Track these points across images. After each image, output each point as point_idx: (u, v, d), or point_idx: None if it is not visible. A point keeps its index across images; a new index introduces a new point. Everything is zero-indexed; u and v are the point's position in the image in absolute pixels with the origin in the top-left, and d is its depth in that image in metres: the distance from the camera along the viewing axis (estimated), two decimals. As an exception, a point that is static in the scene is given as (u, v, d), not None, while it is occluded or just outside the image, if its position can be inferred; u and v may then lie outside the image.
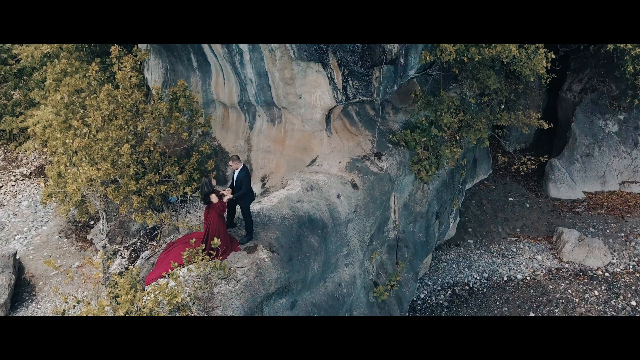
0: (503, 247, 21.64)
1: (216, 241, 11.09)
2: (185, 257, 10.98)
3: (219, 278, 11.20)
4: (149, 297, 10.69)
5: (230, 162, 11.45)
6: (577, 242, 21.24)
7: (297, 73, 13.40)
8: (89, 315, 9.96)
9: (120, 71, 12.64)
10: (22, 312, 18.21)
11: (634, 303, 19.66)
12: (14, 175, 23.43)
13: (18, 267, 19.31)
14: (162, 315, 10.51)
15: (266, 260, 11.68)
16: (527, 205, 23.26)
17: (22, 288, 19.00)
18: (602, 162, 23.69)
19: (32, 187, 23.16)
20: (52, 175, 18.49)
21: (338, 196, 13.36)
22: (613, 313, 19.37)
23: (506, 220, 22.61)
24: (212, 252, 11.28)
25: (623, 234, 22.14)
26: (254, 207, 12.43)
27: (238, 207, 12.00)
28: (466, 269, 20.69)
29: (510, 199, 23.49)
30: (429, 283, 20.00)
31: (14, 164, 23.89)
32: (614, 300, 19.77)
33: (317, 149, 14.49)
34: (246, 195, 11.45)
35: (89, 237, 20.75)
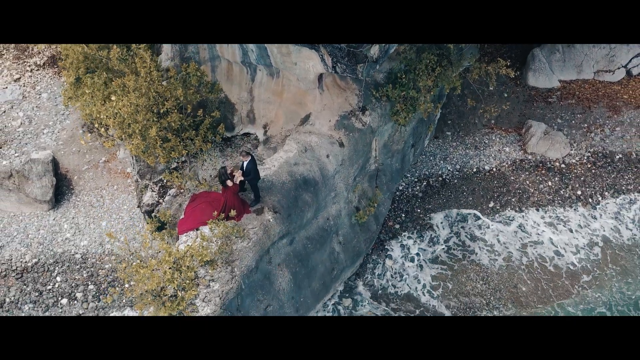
0: (477, 139, 25.48)
1: (233, 213, 15.30)
2: (210, 226, 15.23)
3: (235, 237, 15.58)
4: (185, 254, 15.15)
5: (241, 157, 15.09)
6: (542, 135, 25.03)
7: (292, 50, 15.98)
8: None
9: (142, 68, 15.30)
10: (66, 206, 22.78)
11: (579, 192, 24.26)
12: (29, 66, 26.06)
13: (54, 164, 23.36)
14: (196, 269, 15.10)
15: (271, 220, 15.93)
16: (505, 95, 26.42)
17: (60, 182, 23.27)
18: (581, 52, 26.22)
19: (48, 78, 26.00)
20: (70, 82, 21.62)
21: (327, 156, 17.03)
22: (559, 201, 24.08)
23: (484, 111, 25.98)
24: (230, 221, 15.53)
25: (586, 125, 25.82)
26: (261, 173, 16.22)
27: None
28: (441, 161, 24.83)
29: (490, 88, 26.48)
30: (407, 175, 24.27)
31: (26, 54, 26.31)
32: (563, 190, 24.34)
33: (311, 106, 17.63)
34: (254, 178, 15.26)
35: (110, 132, 24.40)
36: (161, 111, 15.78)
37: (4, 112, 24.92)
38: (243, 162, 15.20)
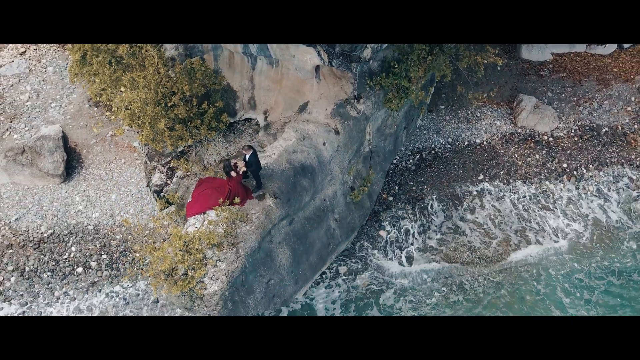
0: (469, 113, 26.81)
1: (237, 199, 16.99)
2: (216, 211, 16.91)
3: (240, 221, 17.29)
4: (194, 238, 16.90)
5: (243, 150, 16.63)
6: (532, 109, 26.37)
7: (291, 45, 17.24)
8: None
9: (151, 65, 16.58)
10: (76, 179, 24.37)
11: (565, 165, 25.80)
12: (34, 39, 27.05)
13: (64, 139, 24.79)
14: (204, 251, 16.89)
15: (272, 205, 17.61)
16: (498, 68, 27.57)
17: (70, 156, 24.78)
18: (574, 25, 27.16)
19: (53, 51, 27.08)
20: (76, 59, 22.85)
21: (324, 144, 18.53)
22: (546, 174, 25.66)
23: (476, 84, 27.19)
24: (234, 206, 17.23)
25: (575, 98, 27.10)
26: (262, 161, 17.78)
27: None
28: (435, 135, 26.26)
29: (485, 61, 27.59)
30: (402, 148, 25.76)
31: (30, 27, 27.24)
32: (549, 163, 25.86)
33: (308, 94, 19.00)
34: (255, 169, 16.86)
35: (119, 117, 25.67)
36: (169, 105, 17.19)
37: (12, 85, 26.14)
38: (245, 154, 16.77)
